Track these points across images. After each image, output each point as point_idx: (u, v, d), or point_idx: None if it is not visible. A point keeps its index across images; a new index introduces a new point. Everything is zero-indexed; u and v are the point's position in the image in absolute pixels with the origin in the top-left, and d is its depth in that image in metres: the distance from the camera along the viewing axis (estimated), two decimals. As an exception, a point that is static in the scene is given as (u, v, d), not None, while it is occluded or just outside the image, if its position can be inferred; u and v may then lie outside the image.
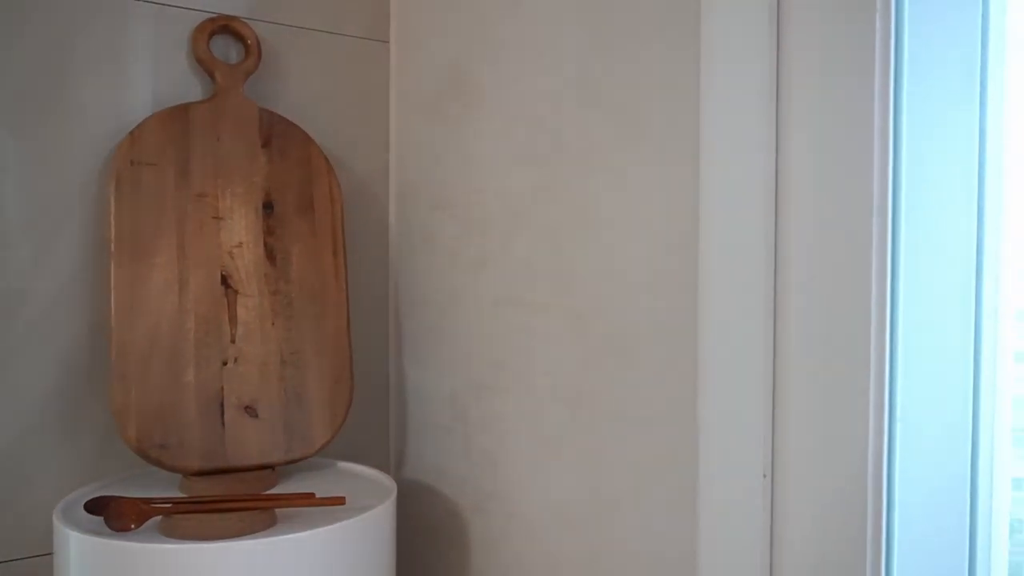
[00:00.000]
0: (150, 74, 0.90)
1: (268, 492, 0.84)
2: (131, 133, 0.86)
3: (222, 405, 0.85)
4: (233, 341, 0.87)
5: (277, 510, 0.78)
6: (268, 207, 0.90)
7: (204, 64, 0.91)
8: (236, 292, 0.87)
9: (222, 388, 0.85)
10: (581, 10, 0.80)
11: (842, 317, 0.62)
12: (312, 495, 0.79)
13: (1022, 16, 0.68)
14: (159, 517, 0.74)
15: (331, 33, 1.01)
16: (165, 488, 0.84)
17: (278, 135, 0.92)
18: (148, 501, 0.75)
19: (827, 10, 0.62)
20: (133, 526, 0.73)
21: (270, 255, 0.90)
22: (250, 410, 0.86)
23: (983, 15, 0.65)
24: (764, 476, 0.66)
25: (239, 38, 0.94)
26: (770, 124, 0.65)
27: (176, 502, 0.76)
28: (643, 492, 0.76)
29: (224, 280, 0.87)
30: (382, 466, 1.04)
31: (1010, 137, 0.67)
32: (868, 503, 0.61)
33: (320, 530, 0.74)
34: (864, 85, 0.60)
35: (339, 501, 0.78)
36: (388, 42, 1.06)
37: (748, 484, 0.66)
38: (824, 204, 0.63)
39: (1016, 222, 0.69)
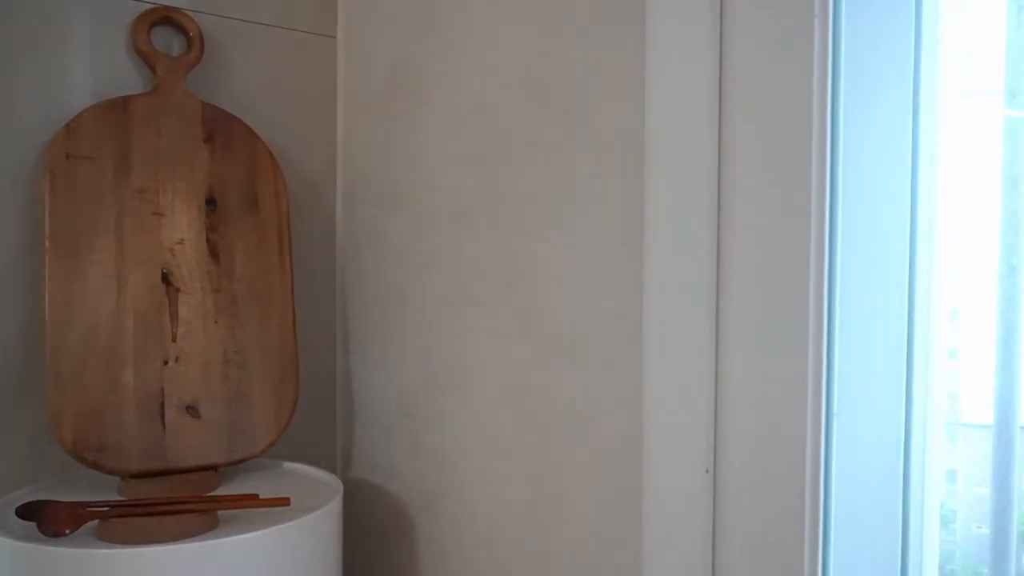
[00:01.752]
0: (88, 65, 0.88)
1: (211, 494, 0.83)
2: (67, 125, 0.83)
3: (162, 405, 0.83)
4: (174, 340, 0.85)
5: (220, 512, 0.76)
6: (211, 203, 0.88)
7: (144, 56, 0.89)
8: (177, 290, 0.85)
9: (163, 388, 0.83)
10: (528, 9, 0.80)
11: (782, 316, 0.63)
12: (256, 496, 0.78)
13: (954, 21, 0.70)
14: (95, 521, 0.72)
15: (277, 27, 1.00)
16: (102, 491, 0.81)
17: (221, 130, 0.90)
18: (84, 505, 0.72)
19: (768, 16, 0.63)
20: (68, 531, 0.71)
21: (213, 252, 0.88)
22: (192, 410, 0.85)
23: (916, 20, 0.67)
24: (707, 471, 0.67)
25: (181, 30, 0.91)
26: (713, 126, 0.66)
27: (113, 505, 0.74)
28: (589, 488, 0.76)
29: (165, 278, 0.85)
30: (328, 466, 1.03)
31: (942, 139, 0.70)
32: (806, 496, 0.63)
33: (263, 532, 0.73)
34: (803, 89, 0.62)
35: (283, 502, 0.77)
36: (335, 37, 1.05)
37: (692, 479, 0.68)
38: (764, 206, 0.64)
39: (948, 224, 0.72)
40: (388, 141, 0.98)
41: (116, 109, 0.85)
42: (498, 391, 0.84)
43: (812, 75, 0.61)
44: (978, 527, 0.79)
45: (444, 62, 0.90)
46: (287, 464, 0.93)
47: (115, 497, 0.80)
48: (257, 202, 0.91)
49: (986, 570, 0.77)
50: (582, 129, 0.76)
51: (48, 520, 0.70)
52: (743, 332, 0.66)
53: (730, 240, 0.66)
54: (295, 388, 0.90)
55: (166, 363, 0.84)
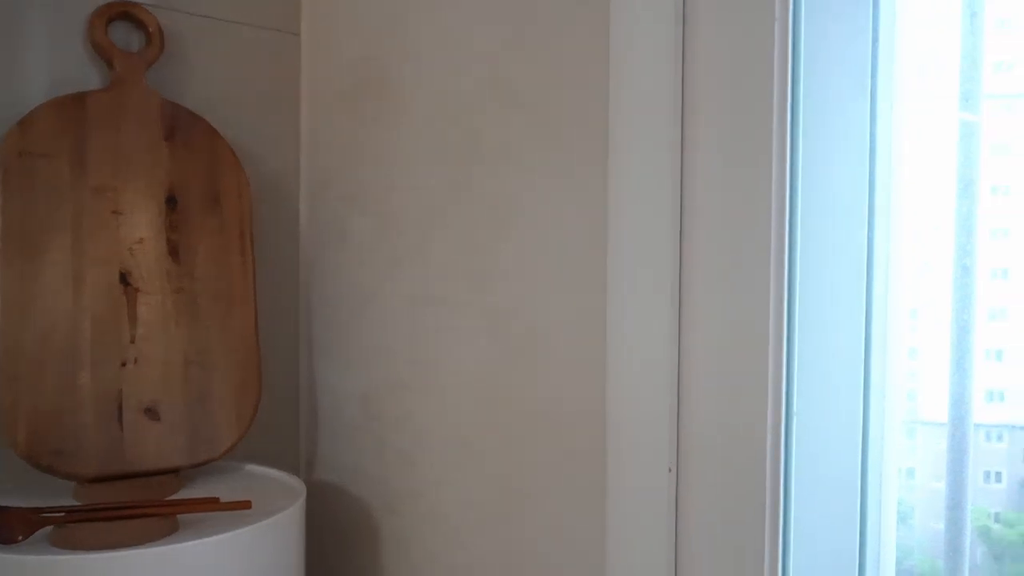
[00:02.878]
0: (43, 60, 0.86)
1: (171, 498, 0.81)
2: (20, 122, 0.81)
3: (121, 408, 0.82)
4: (133, 341, 0.83)
5: (179, 516, 0.75)
6: (171, 202, 0.87)
7: (102, 51, 0.87)
8: (137, 290, 0.84)
9: (121, 390, 0.82)
10: (494, 8, 0.80)
11: (743, 317, 0.64)
12: (216, 499, 0.77)
13: (911, 25, 0.71)
14: (50, 527, 0.70)
15: (239, 24, 0.98)
16: (58, 496, 0.79)
17: (182, 127, 0.89)
18: (38, 511, 0.71)
19: (729, 18, 0.64)
20: (20, 537, 0.69)
21: (173, 252, 0.86)
22: (151, 412, 0.83)
23: (874, 23, 0.68)
24: (670, 470, 0.68)
25: (140, 25, 0.90)
26: (675, 127, 0.66)
27: (69, 511, 0.72)
28: (554, 488, 0.76)
29: (124, 278, 0.83)
30: (292, 468, 1.02)
31: (899, 142, 0.71)
32: (767, 493, 0.63)
33: (224, 536, 0.72)
34: (764, 91, 0.62)
35: (245, 505, 0.76)
36: (299, 35, 1.03)
37: (654, 478, 0.68)
38: (726, 208, 0.65)
39: (905, 225, 0.73)
40: (353, 140, 0.97)
41: (73, 106, 0.83)
42: (465, 391, 0.84)
43: (772, 77, 0.62)
44: (936, 523, 0.81)
45: (411, 62, 0.89)
46: (249, 466, 0.92)
47: (71, 502, 0.79)
48: (219, 201, 0.90)
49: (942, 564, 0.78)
50: (548, 129, 0.76)
51: (1, 526, 0.69)
52: (705, 333, 0.66)
53: (692, 241, 0.67)
54: (257, 389, 0.89)
55: (124, 365, 0.82)
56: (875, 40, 0.68)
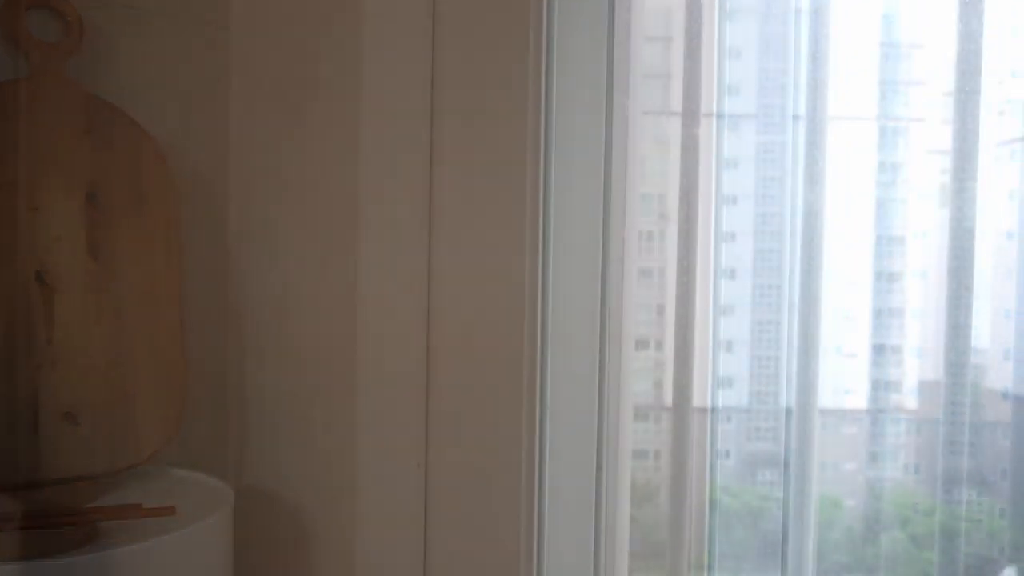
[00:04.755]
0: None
1: (91, 505, 0.79)
2: (-74, 106, 0.77)
3: (36, 413, 0.78)
4: (50, 343, 0.80)
5: (99, 524, 0.72)
6: (92, 198, 0.84)
7: (16, 40, 0.83)
8: (53, 290, 0.81)
9: (36, 394, 0.78)
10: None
11: (495, 316, 0.67)
12: (138, 506, 0.75)
13: (641, 46, 0.77)
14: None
15: (165, 16, 0.95)
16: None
17: (104, 122, 0.85)
18: (-49, 523, 0.68)
19: (481, 30, 0.67)
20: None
21: (94, 250, 0.83)
22: (70, 417, 0.80)
23: (609, 40, 0.72)
24: (418, 466, 0.69)
25: (59, 14, 0.86)
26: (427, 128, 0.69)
27: (-17, 521, 0.69)
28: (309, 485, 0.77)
29: (39, 276, 0.80)
30: (220, 472, 0.99)
31: (632, 151, 0.77)
32: (521, 487, 0.66)
33: (146, 544, 0.69)
34: (519, 97, 0.64)
35: (168, 511, 0.74)
36: (228, 28, 1.01)
37: (404, 474, 0.69)
38: (475, 211, 0.68)
39: (636, 227, 0.79)
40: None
41: (-16, 93, 0.80)
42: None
43: (527, 86, 0.64)
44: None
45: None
46: (176, 471, 0.89)
47: (-19, 514, 0.75)
48: (143, 198, 0.87)
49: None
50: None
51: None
52: (451, 327, 0.68)
53: (440, 252, 0.69)
54: (183, 392, 0.86)
55: (40, 368, 0.79)
56: (611, 59, 0.71)
